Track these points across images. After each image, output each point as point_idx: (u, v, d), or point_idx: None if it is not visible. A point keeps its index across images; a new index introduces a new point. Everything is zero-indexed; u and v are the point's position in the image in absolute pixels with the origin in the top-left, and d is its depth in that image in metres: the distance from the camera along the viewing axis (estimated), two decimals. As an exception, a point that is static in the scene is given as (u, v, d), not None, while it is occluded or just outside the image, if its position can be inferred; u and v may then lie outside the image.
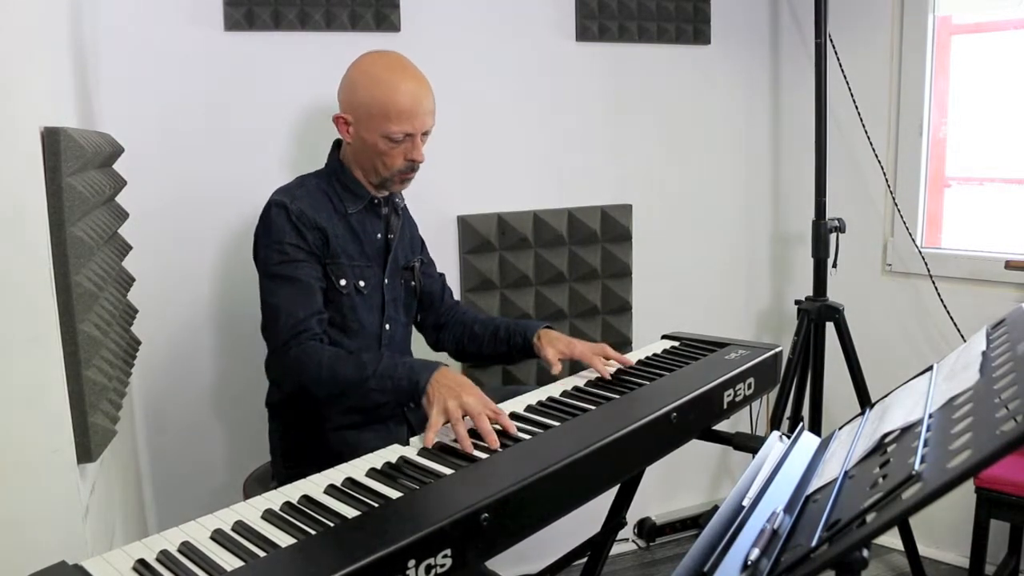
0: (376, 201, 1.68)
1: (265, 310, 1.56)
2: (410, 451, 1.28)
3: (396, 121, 1.56)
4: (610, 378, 1.59)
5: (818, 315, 2.36)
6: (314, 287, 1.56)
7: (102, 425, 1.13)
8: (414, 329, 1.86)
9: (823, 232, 2.36)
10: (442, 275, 1.91)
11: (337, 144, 1.72)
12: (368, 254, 1.66)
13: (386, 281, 1.69)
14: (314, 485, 1.16)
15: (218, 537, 1.01)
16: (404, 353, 1.77)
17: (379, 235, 1.69)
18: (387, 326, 1.70)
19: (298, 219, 1.56)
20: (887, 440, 0.91)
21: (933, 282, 2.44)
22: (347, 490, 1.14)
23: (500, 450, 1.26)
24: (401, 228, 1.75)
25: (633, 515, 2.47)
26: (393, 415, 1.63)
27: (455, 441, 1.31)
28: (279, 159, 2.05)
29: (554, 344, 1.68)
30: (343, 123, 1.63)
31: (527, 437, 1.31)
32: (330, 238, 1.59)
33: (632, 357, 1.75)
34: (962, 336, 2.36)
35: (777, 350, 1.74)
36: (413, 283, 1.78)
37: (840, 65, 2.48)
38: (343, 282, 1.61)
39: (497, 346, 1.77)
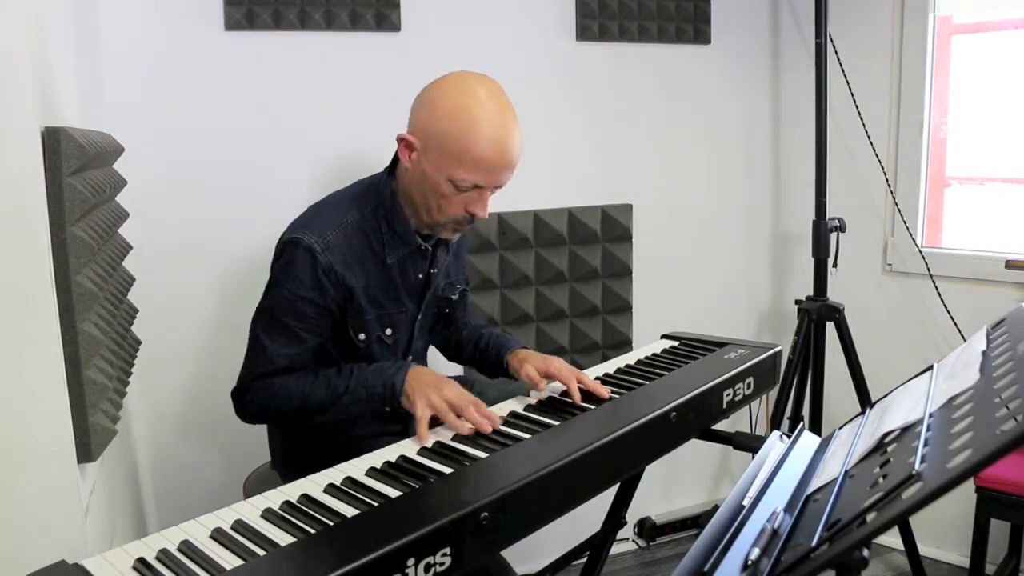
0: (424, 248, 1.52)
1: (252, 339, 1.49)
2: (410, 450, 1.28)
3: (470, 169, 1.37)
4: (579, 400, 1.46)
5: (818, 315, 2.36)
6: (309, 346, 1.46)
7: (102, 425, 1.13)
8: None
9: (823, 232, 2.36)
10: (465, 291, 1.76)
11: (394, 163, 1.52)
12: (402, 298, 1.54)
13: (419, 317, 1.60)
14: (314, 484, 1.16)
15: (218, 536, 1.01)
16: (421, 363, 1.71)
17: (421, 275, 1.55)
18: (410, 357, 1.63)
19: (325, 273, 1.41)
20: (887, 440, 0.91)
21: (933, 282, 2.44)
22: (347, 489, 1.14)
23: (498, 449, 1.26)
24: (447, 260, 1.62)
25: (633, 515, 2.47)
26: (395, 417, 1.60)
27: (454, 439, 1.32)
28: (279, 159, 2.05)
29: (529, 360, 1.55)
30: (406, 146, 1.43)
31: (527, 436, 1.31)
32: (357, 294, 1.46)
33: (632, 357, 1.75)
34: (962, 336, 2.36)
35: (777, 350, 1.74)
36: (448, 310, 1.70)
37: (840, 65, 2.48)
38: (362, 336, 1.50)
39: (475, 356, 1.71)
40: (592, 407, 1.44)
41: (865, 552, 0.73)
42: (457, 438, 1.32)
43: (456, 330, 1.78)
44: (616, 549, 2.59)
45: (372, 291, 1.49)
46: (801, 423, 2.39)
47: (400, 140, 1.45)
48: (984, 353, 0.95)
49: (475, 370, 1.75)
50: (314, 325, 1.46)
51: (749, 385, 1.63)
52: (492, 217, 2.28)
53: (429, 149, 1.40)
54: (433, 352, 1.84)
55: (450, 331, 1.80)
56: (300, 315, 1.45)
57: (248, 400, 1.49)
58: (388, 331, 1.54)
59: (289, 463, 1.64)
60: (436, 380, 1.40)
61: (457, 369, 2.02)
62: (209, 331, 2.05)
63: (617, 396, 1.50)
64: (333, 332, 1.51)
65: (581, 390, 1.48)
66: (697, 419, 1.49)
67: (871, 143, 2.50)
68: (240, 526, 1.03)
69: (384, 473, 1.20)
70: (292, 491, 1.14)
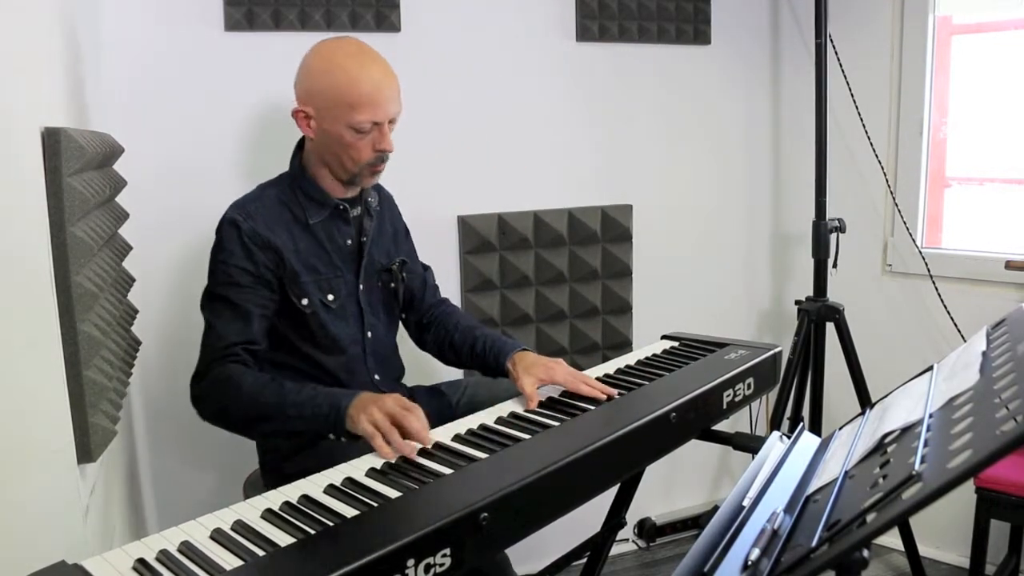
0: (342, 207, 1.60)
1: (205, 325, 1.51)
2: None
3: (361, 109, 1.48)
4: (597, 395, 1.48)
5: (818, 315, 2.36)
6: (252, 314, 1.48)
7: (102, 425, 1.13)
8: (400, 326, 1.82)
9: (823, 232, 2.36)
10: (426, 270, 1.84)
11: (300, 146, 1.63)
12: (337, 263, 1.59)
13: (361, 287, 1.62)
14: (314, 485, 1.16)
15: (218, 536, 1.01)
16: (391, 356, 1.73)
17: (349, 241, 1.61)
18: (369, 333, 1.64)
19: (250, 239, 1.49)
20: (887, 440, 0.91)
21: (933, 282, 2.44)
22: (346, 489, 1.14)
23: (498, 449, 1.26)
24: (376, 229, 1.68)
25: (633, 515, 2.47)
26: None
27: (455, 440, 1.32)
28: (279, 159, 2.04)
29: (531, 371, 1.53)
30: (303, 117, 1.54)
31: (527, 437, 1.31)
32: (287, 256, 1.52)
33: (632, 357, 1.75)
34: (962, 336, 2.36)
35: (777, 350, 1.74)
36: (394, 284, 1.70)
37: (840, 65, 2.48)
38: (304, 301, 1.54)
39: (473, 360, 1.69)
40: (592, 407, 1.44)
41: (865, 552, 0.73)
42: (457, 439, 1.33)
43: (444, 330, 1.76)
44: (616, 550, 2.59)
45: (303, 255, 1.55)
46: (801, 423, 2.39)
47: (295, 114, 1.56)
48: (984, 354, 0.95)
49: (478, 372, 1.74)
50: (252, 295, 1.50)
51: (749, 386, 1.63)
52: (492, 217, 2.28)
53: (321, 109, 1.51)
54: (431, 365, 1.85)
55: (426, 324, 1.79)
56: (236, 285, 1.49)
57: (203, 388, 1.48)
58: (330, 296, 1.58)
59: (277, 475, 1.61)
60: (378, 397, 1.36)
61: (457, 373, 2.03)
62: (209, 331, 2.05)
63: (617, 397, 1.50)
64: (281, 308, 1.54)
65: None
66: (697, 419, 1.49)
67: (871, 143, 2.50)
68: (240, 527, 1.03)
69: (384, 474, 1.20)
70: (292, 491, 1.14)
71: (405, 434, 1.28)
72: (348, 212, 1.61)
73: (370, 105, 1.49)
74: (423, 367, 1.96)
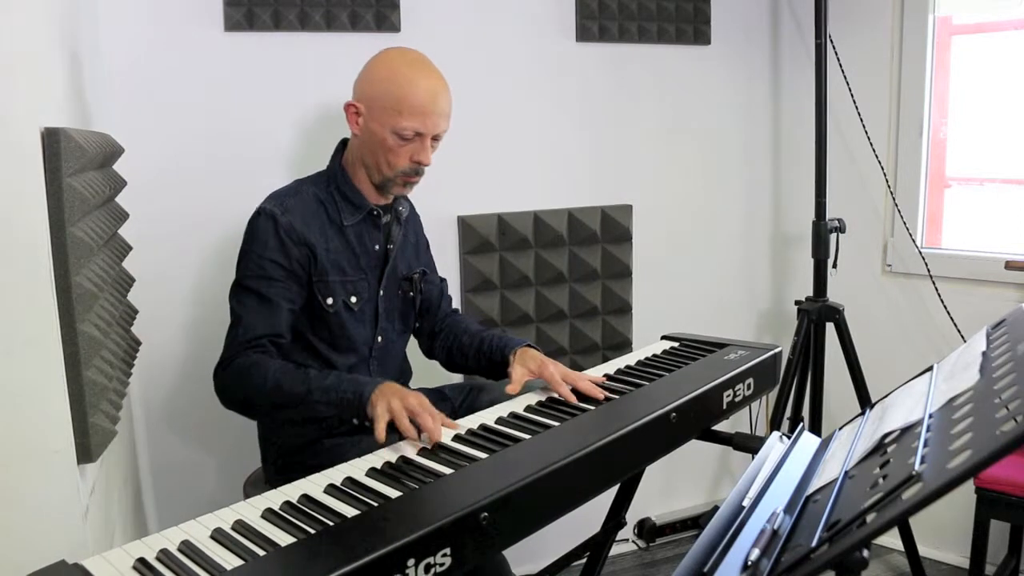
0: (376, 212, 1.63)
1: (230, 314, 1.54)
2: (410, 450, 1.28)
3: (408, 117, 1.52)
4: (575, 402, 1.48)
5: (818, 315, 2.36)
6: (282, 308, 1.52)
7: (102, 425, 1.12)
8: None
9: (823, 232, 2.36)
10: (443, 281, 1.87)
11: (341, 146, 1.67)
12: (363, 266, 1.62)
13: (381, 293, 1.66)
14: (314, 485, 1.16)
15: (218, 536, 1.01)
16: (399, 363, 1.76)
17: (377, 246, 1.65)
18: (379, 338, 1.66)
19: (286, 233, 1.52)
20: (887, 440, 0.91)
21: (933, 282, 2.44)
22: (347, 489, 1.14)
23: (498, 449, 1.26)
24: (402, 238, 1.71)
25: (633, 515, 2.47)
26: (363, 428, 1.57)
27: (455, 440, 1.32)
28: (279, 160, 2.05)
29: (524, 363, 1.57)
30: (354, 112, 1.58)
31: (527, 437, 1.31)
32: (319, 255, 1.55)
33: (632, 357, 1.75)
34: (962, 336, 2.36)
35: (776, 350, 1.74)
36: (412, 294, 1.73)
37: (840, 65, 2.48)
38: (330, 301, 1.57)
39: (480, 360, 1.71)
40: (592, 407, 1.44)
41: (865, 553, 0.73)
42: (457, 439, 1.33)
43: (453, 336, 1.78)
44: (616, 550, 2.59)
45: (333, 255, 1.58)
46: (801, 424, 2.40)
47: (347, 107, 1.59)
48: (984, 354, 0.95)
49: (484, 376, 1.74)
50: (282, 289, 1.52)
51: (749, 386, 1.63)
52: (492, 217, 2.28)
53: (373, 109, 1.55)
54: (435, 368, 1.85)
55: (437, 332, 1.81)
56: (267, 278, 1.52)
57: (227, 375, 1.49)
58: (352, 298, 1.61)
59: (279, 470, 1.62)
60: (402, 390, 1.40)
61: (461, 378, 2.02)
62: (209, 331, 2.05)
63: (617, 397, 1.50)
64: (304, 305, 1.56)
65: (580, 393, 1.50)
66: (697, 420, 1.49)
67: (871, 143, 2.50)
68: (240, 526, 1.03)
69: (384, 473, 1.20)
70: (292, 491, 1.14)
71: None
72: (381, 218, 1.65)
73: (419, 115, 1.52)
74: (430, 373, 1.96)
